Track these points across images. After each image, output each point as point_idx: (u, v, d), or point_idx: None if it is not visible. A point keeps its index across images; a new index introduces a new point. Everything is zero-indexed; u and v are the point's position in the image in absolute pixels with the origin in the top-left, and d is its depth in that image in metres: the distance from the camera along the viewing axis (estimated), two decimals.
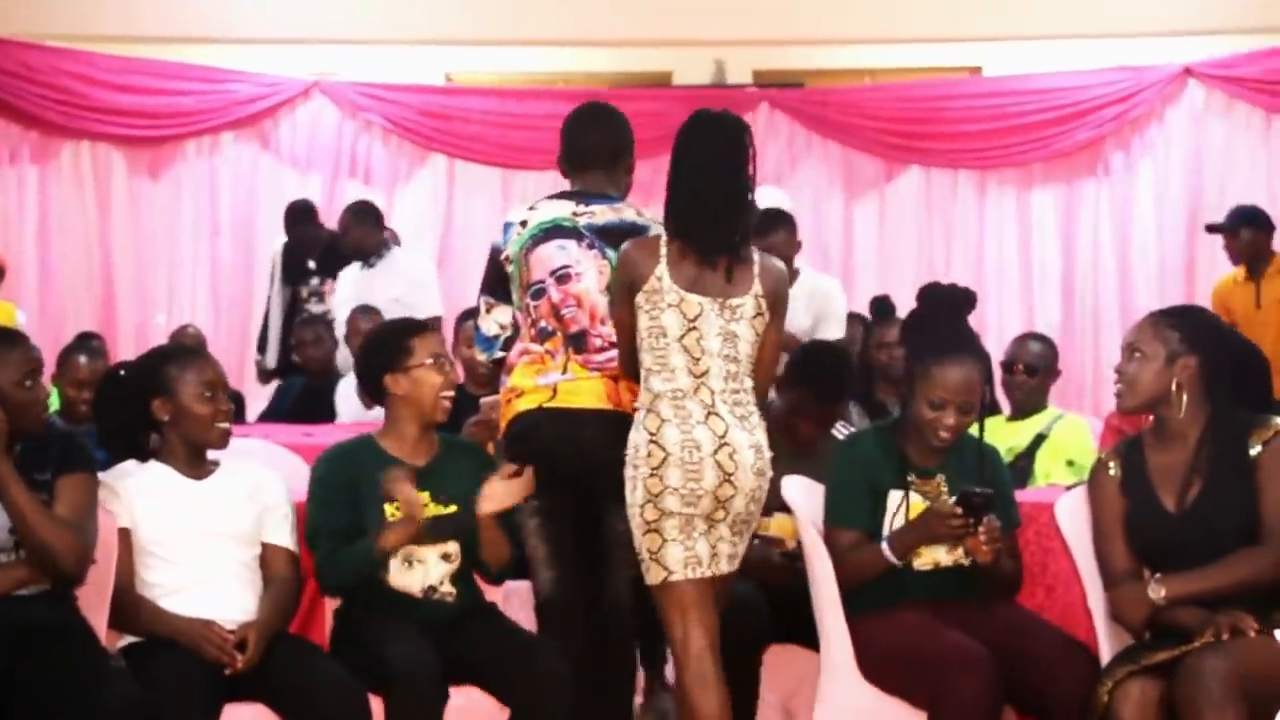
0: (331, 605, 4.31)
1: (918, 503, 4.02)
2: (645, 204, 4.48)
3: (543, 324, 4.29)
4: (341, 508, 4.12)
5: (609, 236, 4.25)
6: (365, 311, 7.66)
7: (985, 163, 9.86)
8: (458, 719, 3.91)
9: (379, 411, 4.39)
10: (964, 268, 9.73)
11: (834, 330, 6.05)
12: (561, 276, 4.26)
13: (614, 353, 4.18)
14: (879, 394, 6.37)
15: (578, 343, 4.26)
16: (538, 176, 9.33)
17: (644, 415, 3.91)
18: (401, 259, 8.39)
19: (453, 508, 4.17)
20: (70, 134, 9.76)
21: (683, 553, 3.85)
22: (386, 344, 4.24)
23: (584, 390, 4.22)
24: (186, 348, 4.39)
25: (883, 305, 6.67)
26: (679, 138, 3.95)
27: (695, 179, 3.87)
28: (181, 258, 9.96)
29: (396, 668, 3.81)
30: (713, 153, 3.89)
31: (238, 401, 7.95)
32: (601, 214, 4.28)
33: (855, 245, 9.89)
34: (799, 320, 5.76)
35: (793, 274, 5.75)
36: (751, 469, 3.87)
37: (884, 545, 3.98)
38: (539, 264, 4.28)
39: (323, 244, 8.71)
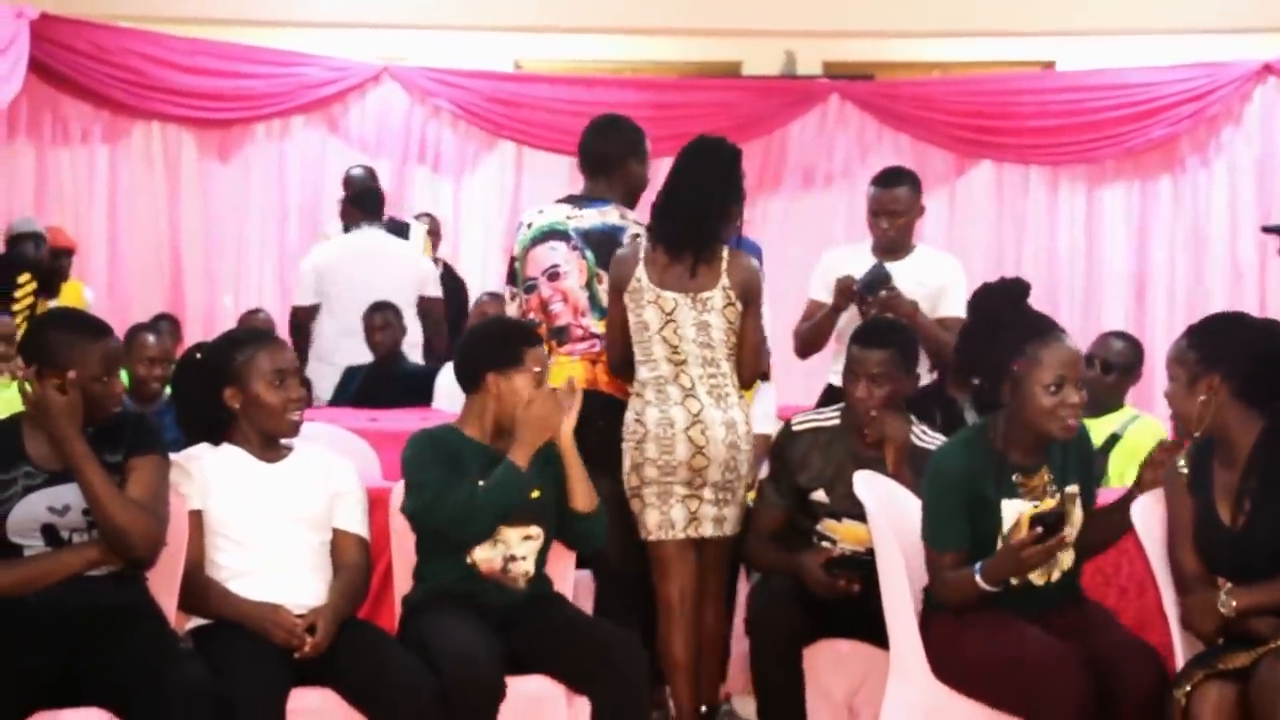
0: (400, 591, 4.29)
1: (1026, 508, 3.86)
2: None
3: (531, 316, 4.95)
4: (440, 466, 4.09)
5: (591, 239, 4.90)
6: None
7: (1057, 159, 9.79)
8: (528, 705, 3.90)
9: None
10: (1034, 264, 9.66)
11: (956, 308, 5.69)
12: (552, 275, 4.93)
13: (593, 342, 4.88)
14: (949, 390, 6.28)
15: (560, 335, 4.93)
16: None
17: (633, 399, 4.63)
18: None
19: (536, 493, 4.17)
20: (140, 114, 9.78)
21: (658, 516, 4.60)
22: (499, 344, 4.23)
23: (565, 372, 4.67)
24: (258, 332, 4.37)
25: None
26: (681, 156, 4.64)
27: (672, 188, 4.56)
28: (249, 240, 9.98)
29: (452, 656, 3.80)
30: (692, 168, 4.57)
31: (306, 385, 7.97)
32: (589, 218, 4.92)
33: (926, 239, 9.46)
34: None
35: (907, 246, 5.67)
36: (723, 442, 4.55)
37: (977, 574, 3.81)
38: (534, 263, 4.95)
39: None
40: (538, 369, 4.20)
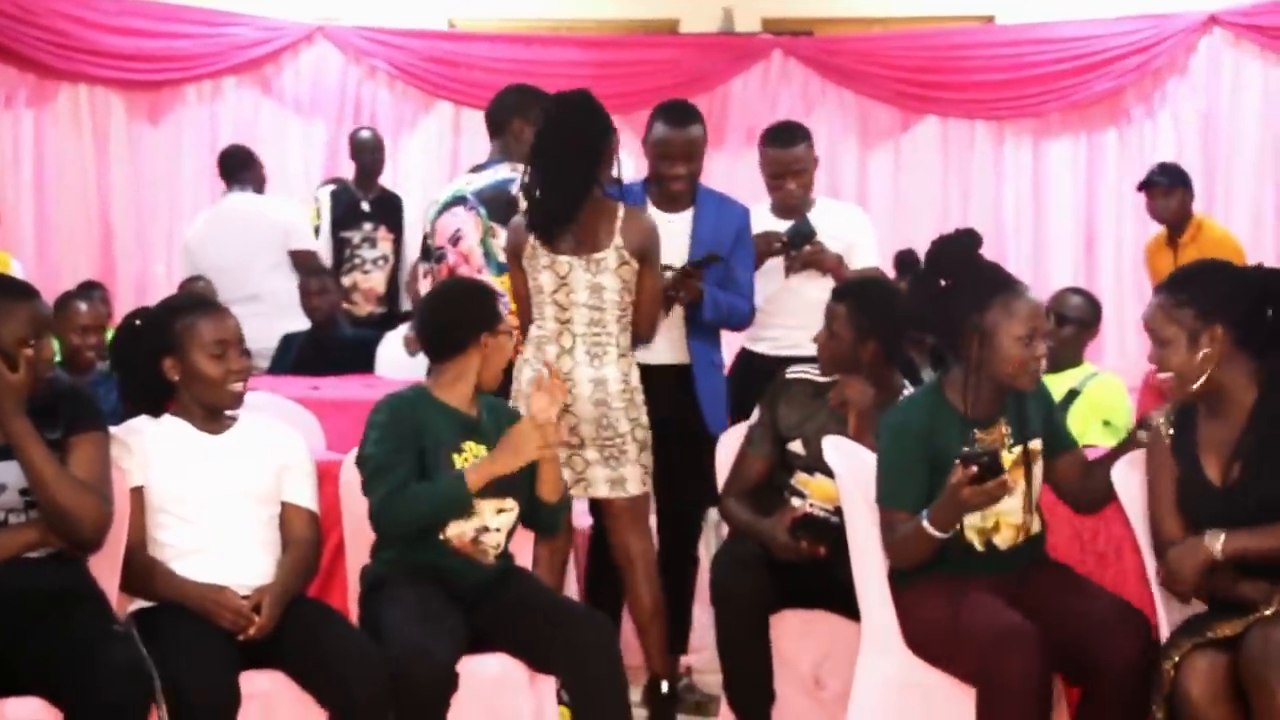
0: (353, 567, 4.14)
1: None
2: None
3: None
4: (406, 451, 3.96)
5: (483, 197, 5.02)
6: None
7: (1002, 113, 9.70)
8: (490, 686, 3.79)
9: (416, 365, 4.31)
10: (980, 219, 9.38)
11: (868, 258, 5.65)
12: (455, 239, 5.05)
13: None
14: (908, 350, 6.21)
15: None
16: None
17: (518, 359, 4.63)
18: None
19: None
20: (67, 77, 9.47)
21: None
22: (485, 302, 4.16)
23: None
24: (198, 300, 4.19)
25: (907, 259, 6.49)
26: (543, 120, 4.60)
27: (534, 161, 4.56)
28: (182, 206, 9.72)
29: (404, 645, 3.67)
30: (550, 136, 4.53)
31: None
32: (483, 178, 5.08)
33: (870, 196, 9.66)
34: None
35: (808, 201, 5.59)
36: (589, 399, 4.54)
37: (924, 521, 3.72)
38: (440, 233, 5.10)
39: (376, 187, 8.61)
40: (509, 326, 4.19)
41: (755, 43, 9.85)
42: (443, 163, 9.87)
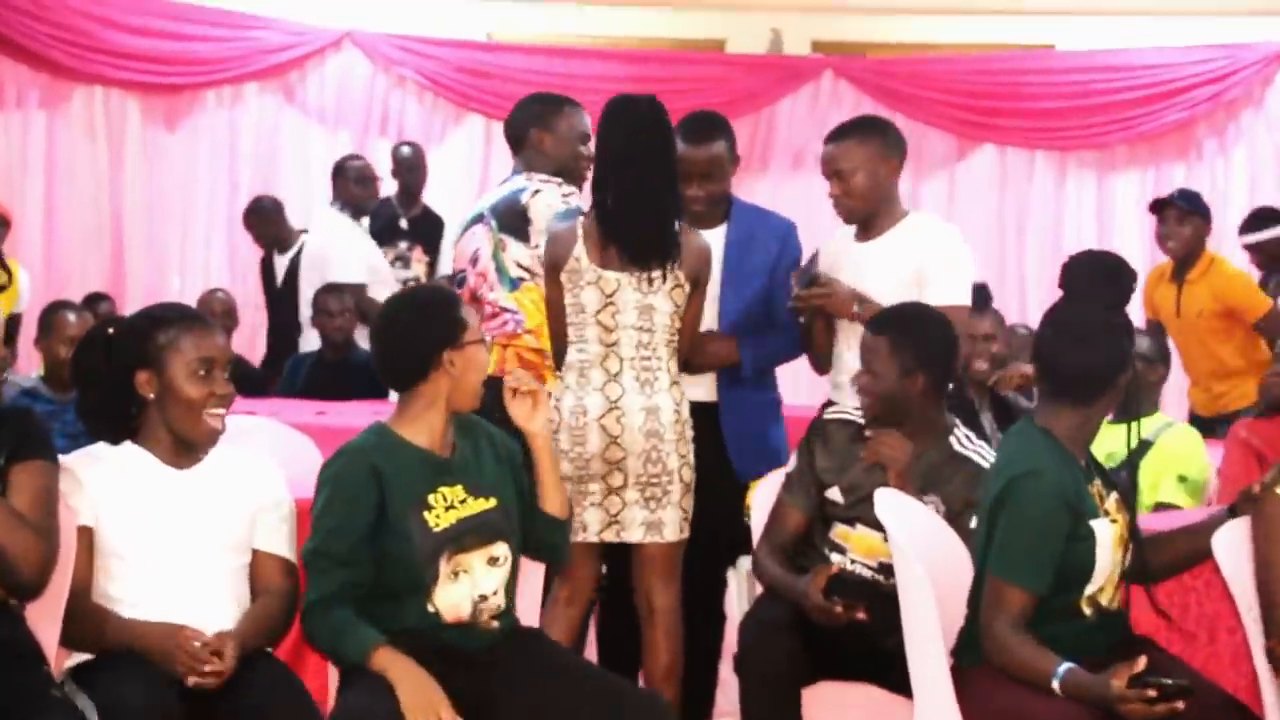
0: None
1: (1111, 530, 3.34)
2: None
3: None
4: (356, 521, 3.40)
5: (497, 210, 4.65)
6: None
7: (1065, 143, 9.33)
8: None
9: None
10: (1039, 254, 9.26)
11: (944, 294, 4.45)
12: (474, 259, 4.70)
13: (504, 319, 4.58)
14: (968, 393, 5.72)
15: None
16: None
17: (556, 384, 4.25)
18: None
19: (492, 501, 3.53)
20: (81, 78, 9.07)
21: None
22: (441, 315, 3.54)
23: None
24: (186, 312, 3.65)
25: (977, 294, 5.97)
26: (600, 123, 4.19)
27: (620, 174, 4.11)
28: (197, 216, 9.37)
29: None
30: (636, 146, 4.11)
31: (259, 380, 7.33)
32: (499, 192, 4.74)
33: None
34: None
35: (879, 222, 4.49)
36: (640, 430, 4.11)
37: (1055, 679, 3.17)
38: (461, 255, 4.79)
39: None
40: (481, 335, 3.60)
41: (805, 63, 9.54)
42: (473, 178, 9.45)
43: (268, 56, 9.31)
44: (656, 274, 4.13)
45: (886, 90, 9.41)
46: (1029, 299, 9.21)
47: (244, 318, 8.35)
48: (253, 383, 7.02)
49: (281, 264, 8.39)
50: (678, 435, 4.17)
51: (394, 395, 6.39)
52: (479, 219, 4.73)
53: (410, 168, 8.36)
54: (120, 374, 3.43)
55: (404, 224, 8.20)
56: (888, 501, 3.61)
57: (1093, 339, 3.37)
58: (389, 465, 3.45)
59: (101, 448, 3.47)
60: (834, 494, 3.97)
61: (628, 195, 4.14)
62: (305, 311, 7.77)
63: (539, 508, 3.65)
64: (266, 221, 8.48)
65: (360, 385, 6.83)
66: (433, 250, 8.17)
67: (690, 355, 4.33)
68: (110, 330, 3.52)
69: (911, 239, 4.33)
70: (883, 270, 4.29)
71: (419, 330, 3.52)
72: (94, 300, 8.14)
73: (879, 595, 3.68)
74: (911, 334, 3.88)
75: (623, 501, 4.16)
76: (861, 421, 3.98)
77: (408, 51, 9.44)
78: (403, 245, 8.16)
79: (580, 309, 4.19)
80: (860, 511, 3.84)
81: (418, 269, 8.15)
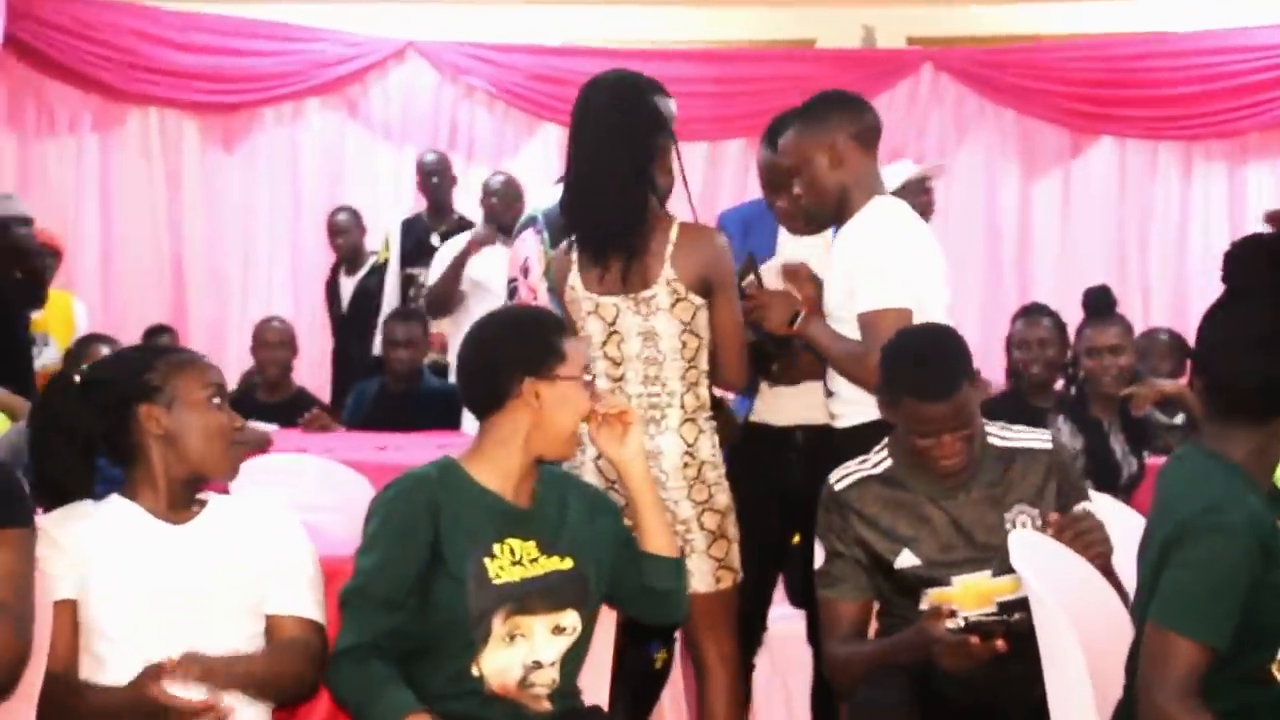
0: None
1: None
2: None
3: None
4: (405, 558, 2.88)
5: (549, 218, 4.25)
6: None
7: (1192, 133, 8.66)
8: None
9: None
10: (1163, 255, 8.68)
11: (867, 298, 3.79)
12: (525, 270, 4.35)
13: None
14: (1094, 411, 5.12)
15: None
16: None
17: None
18: None
19: (568, 562, 2.99)
20: (134, 99, 8.78)
21: None
22: (530, 336, 3.04)
23: None
24: (175, 350, 3.16)
25: (1101, 299, 5.34)
26: (574, 110, 3.73)
27: (576, 159, 3.66)
28: (258, 239, 8.97)
29: None
30: (586, 127, 3.66)
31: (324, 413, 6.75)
32: (556, 191, 4.14)
33: (1034, 228, 8.77)
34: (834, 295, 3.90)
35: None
36: None
37: None
38: (512, 261, 4.44)
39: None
40: (582, 372, 3.07)
41: (902, 56, 8.92)
42: (548, 192, 8.81)
43: (327, 70, 8.89)
44: (650, 291, 3.61)
45: (991, 83, 8.82)
46: (1153, 305, 8.60)
47: (307, 347, 7.84)
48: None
49: (348, 285, 7.91)
50: (689, 480, 3.66)
51: (466, 427, 6.01)
52: (531, 222, 4.33)
53: (435, 174, 7.80)
54: (114, 412, 2.88)
55: (436, 240, 7.59)
56: (1025, 542, 3.07)
57: (1273, 340, 2.70)
58: (453, 500, 2.93)
59: (87, 505, 2.89)
60: (906, 560, 3.35)
61: (580, 178, 3.67)
62: None
63: (643, 550, 3.12)
64: (350, 231, 8.01)
65: (428, 417, 6.27)
66: None
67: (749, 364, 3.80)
68: (77, 378, 2.96)
69: (858, 229, 3.76)
70: (839, 265, 3.78)
71: (500, 349, 3.02)
72: (155, 332, 7.77)
73: (1010, 634, 3.08)
74: None
75: None
76: (879, 472, 3.40)
77: (476, 59, 8.93)
78: None
79: (588, 343, 3.70)
80: (947, 560, 3.30)
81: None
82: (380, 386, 6.70)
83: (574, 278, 3.70)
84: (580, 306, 3.70)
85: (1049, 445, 3.41)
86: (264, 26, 8.81)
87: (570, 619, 2.95)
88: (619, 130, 3.62)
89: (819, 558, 3.42)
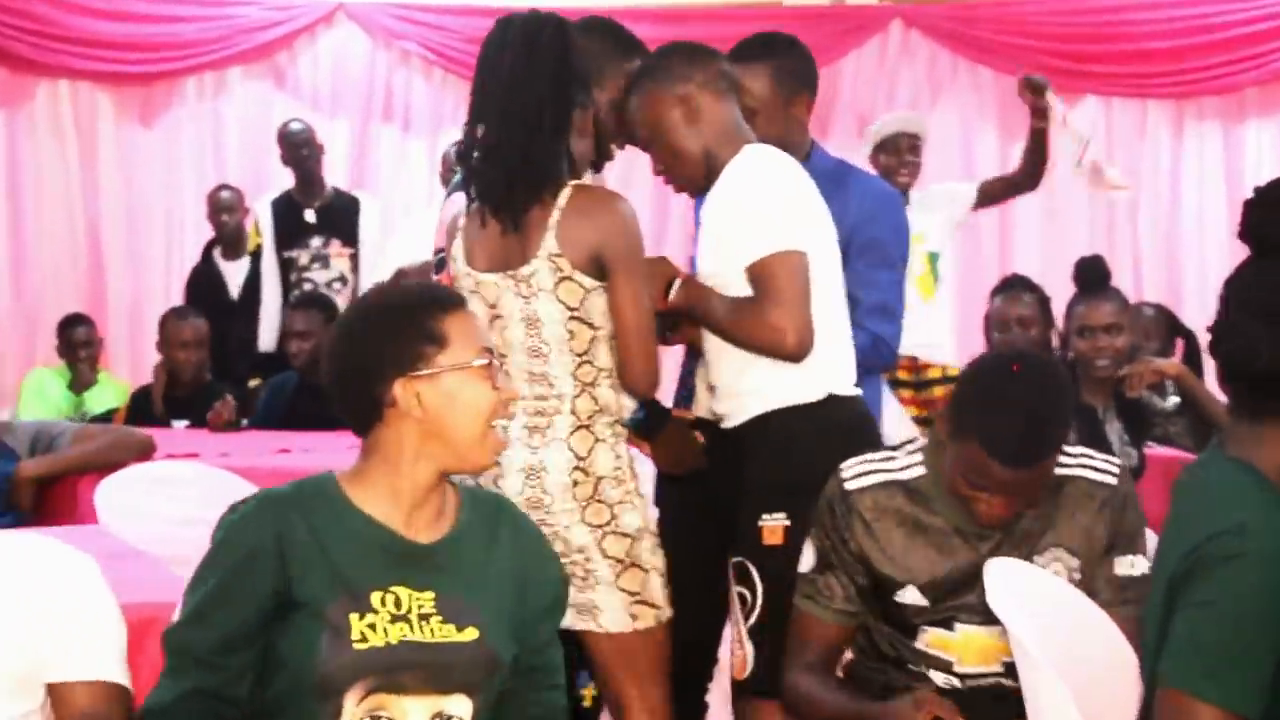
0: None
1: None
2: None
3: None
4: (232, 606, 2.27)
5: None
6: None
7: (1182, 89, 8.12)
8: None
9: None
10: (1154, 221, 8.12)
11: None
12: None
13: None
14: (1085, 397, 4.64)
15: None
16: None
17: None
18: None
19: (470, 632, 2.32)
20: (46, 71, 8.25)
21: None
22: (396, 326, 2.39)
23: None
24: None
25: (1094, 271, 4.84)
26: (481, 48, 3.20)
27: (479, 112, 3.12)
28: (183, 219, 8.41)
29: None
30: (488, 72, 3.11)
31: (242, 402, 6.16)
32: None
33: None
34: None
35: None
36: (519, 498, 3.00)
37: None
38: (440, 227, 3.80)
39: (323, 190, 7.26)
40: (476, 352, 2.38)
41: (870, 11, 8.39)
42: None
43: (252, 36, 8.38)
44: (529, 268, 3.04)
45: (966, 39, 8.27)
46: (1144, 277, 8.07)
47: None
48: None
49: (232, 270, 7.35)
50: (582, 501, 3.07)
51: None
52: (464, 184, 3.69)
53: (299, 145, 7.27)
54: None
55: (310, 216, 7.11)
56: (1004, 582, 2.51)
57: None
58: (318, 533, 2.30)
59: None
60: (909, 596, 2.82)
61: (476, 129, 3.12)
62: None
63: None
64: (235, 210, 7.46)
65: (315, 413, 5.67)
66: (351, 240, 7.14)
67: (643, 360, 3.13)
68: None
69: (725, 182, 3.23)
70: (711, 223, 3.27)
71: (363, 347, 2.38)
72: (72, 323, 7.30)
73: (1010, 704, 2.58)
74: None
75: None
76: (911, 478, 2.83)
77: (410, 23, 8.42)
78: (315, 242, 7.10)
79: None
80: (958, 608, 2.76)
81: (339, 266, 7.04)
82: (299, 380, 6.10)
83: (458, 248, 3.16)
84: (461, 284, 3.15)
85: (1112, 480, 2.83)
86: None
87: (459, 706, 2.29)
88: (530, 75, 3.06)
89: (807, 558, 2.90)
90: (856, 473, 2.85)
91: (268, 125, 8.27)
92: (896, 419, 4.51)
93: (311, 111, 8.29)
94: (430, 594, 2.30)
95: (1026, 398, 2.65)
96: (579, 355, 3.09)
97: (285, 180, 7.64)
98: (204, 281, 7.51)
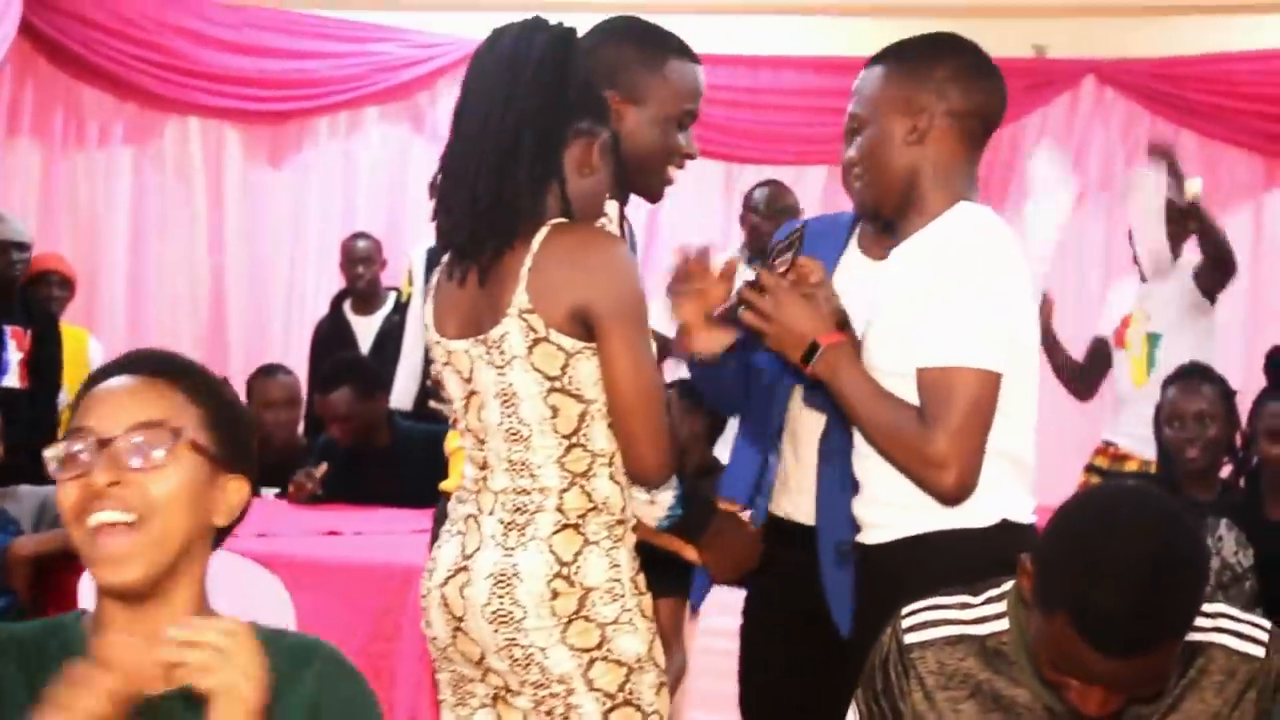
0: None
1: None
2: None
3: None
4: None
5: None
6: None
7: None
8: None
9: None
10: None
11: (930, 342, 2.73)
12: None
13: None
14: (1271, 512, 4.06)
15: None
16: (772, 171, 7.34)
17: None
18: None
19: None
20: (174, 107, 8.03)
21: None
22: None
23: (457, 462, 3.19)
24: None
25: None
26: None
27: (458, 139, 2.54)
28: (306, 265, 8.15)
29: None
30: (466, 101, 2.55)
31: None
32: None
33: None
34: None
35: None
36: (481, 611, 2.47)
37: None
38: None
39: None
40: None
41: (1059, 66, 7.75)
42: (635, 214, 7.64)
43: (390, 75, 8.07)
44: (500, 329, 2.46)
45: (1168, 100, 7.62)
46: None
47: None
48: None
49: (364, 326, 6.92)
50: (564, 618, 2.46)
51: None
52: None
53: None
54: None
55: None
56: None
57: None
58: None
59: None
60: None
61: (454, 158, 2.53)
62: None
63: None
64: (373, 261, 7.08)
65: (411, 469, 5.05)
66: None
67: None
68: None
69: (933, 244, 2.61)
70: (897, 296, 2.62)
71: None
72: None
73: None
74: None
75: (514, 710, 2.58)
76: (979, 633, 2.17)
77: None
78: None
79: (455, 409, 2.67)
80: None
81: None
82: (335, 445, 5.60)
83: (428, 313, 2.61)
84: (436, 353, 2.62)
85: (1259, 650, 2.15)
86: (321, 24, 8.04)
87: None
88: (511, 93, 2.48)
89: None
90: (920, 620, 2.17)
91: (403, 170, 8.09)
92: None
93: None
94: None
95: (1138, 562, 1.89)
96: (565, 437, 2.48)
97: (422, 229, 7.20)
98: (332, 335, 7.08)
